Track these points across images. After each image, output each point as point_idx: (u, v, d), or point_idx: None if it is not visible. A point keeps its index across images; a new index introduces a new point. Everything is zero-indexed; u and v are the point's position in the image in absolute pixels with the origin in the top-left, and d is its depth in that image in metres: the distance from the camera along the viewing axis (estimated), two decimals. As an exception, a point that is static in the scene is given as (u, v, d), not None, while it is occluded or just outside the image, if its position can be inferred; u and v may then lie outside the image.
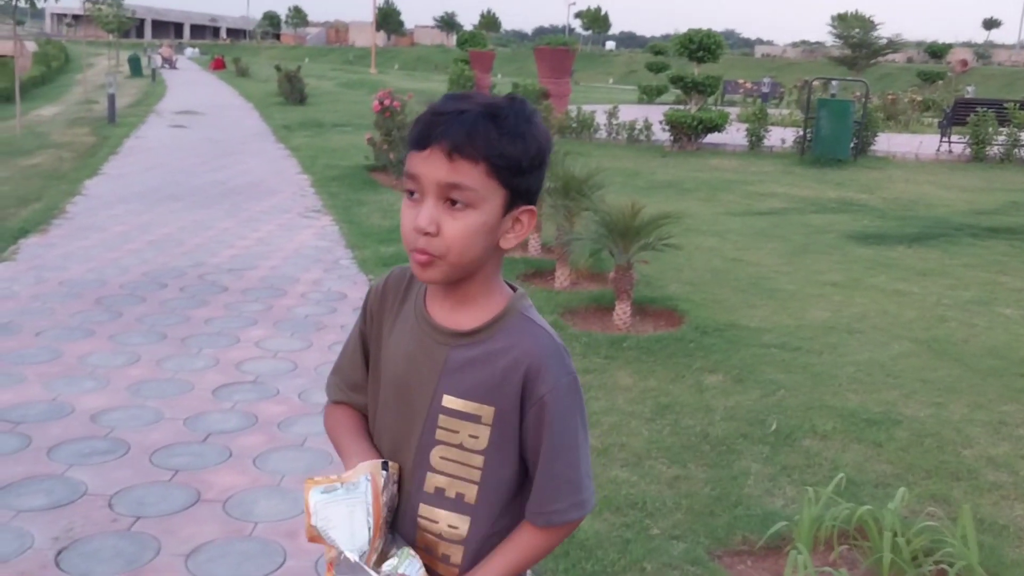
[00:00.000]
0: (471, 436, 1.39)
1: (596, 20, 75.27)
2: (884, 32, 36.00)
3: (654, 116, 19.14)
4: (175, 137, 18.70)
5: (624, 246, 6.35)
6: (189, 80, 42.92)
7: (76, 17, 65.81)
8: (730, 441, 4.55)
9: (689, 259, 8.38)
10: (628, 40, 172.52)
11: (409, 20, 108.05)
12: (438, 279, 1.35)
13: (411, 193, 1.32)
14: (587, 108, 19.97)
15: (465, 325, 1.39)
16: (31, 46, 49.86)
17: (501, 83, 29.73)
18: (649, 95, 35.30)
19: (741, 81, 35.98)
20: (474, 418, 1.38)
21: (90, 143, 16.90)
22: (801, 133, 17.35)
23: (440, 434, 1.40)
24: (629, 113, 20.57)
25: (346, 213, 10.71)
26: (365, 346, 1.54)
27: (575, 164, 8.16)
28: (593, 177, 7.55)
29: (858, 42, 29.56)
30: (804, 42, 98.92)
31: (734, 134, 18.60)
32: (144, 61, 45.38)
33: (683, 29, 18.11)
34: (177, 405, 4.72)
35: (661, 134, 18.31)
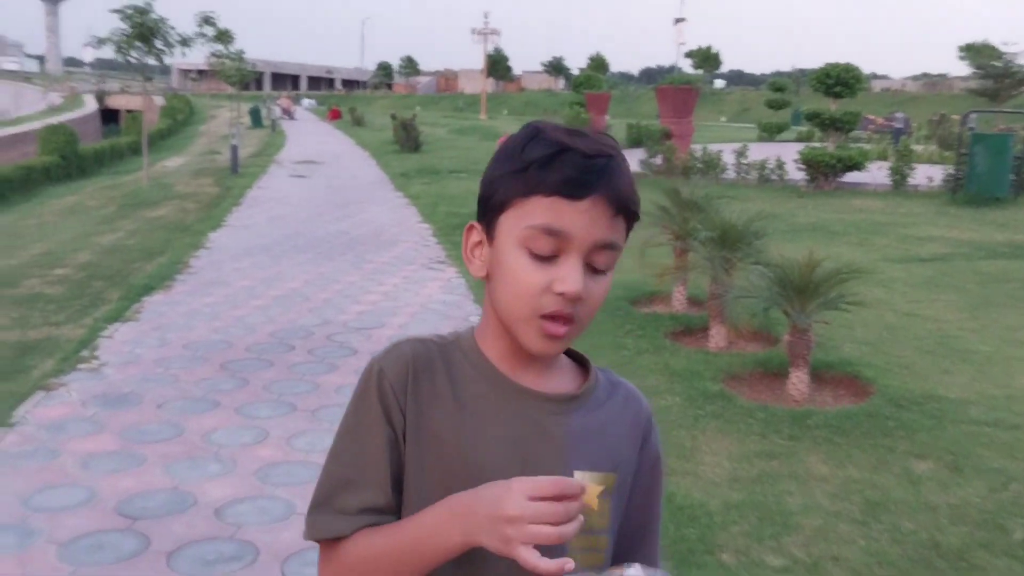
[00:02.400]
0: (599, 515, 1.12)
1: (707, 59, 74.16)
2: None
3: (779, 153, 18.16)
4: (296, 187, 18.74)
5: (801, 304, 5.56)
6: (307, 130, 43.92)
7: (201, 72, 68.77)
8: (968, 553, 3.70)
9: (858, 313, 7.47)
10: (737, 78, 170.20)
11: (517, 66, 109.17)
12: (563, 351, 1.16)
13: (541, 254, 1.06)
14: (712, 147, 19.14)
15: (568, 388, 1.18)
16: (159, 100, 52.17)
17: (614, 124, 29.16)
18: (770, 132, 34.12)
19: (871, 117, 34.35)
20: (604, 493, 1.11)
21: (214, 194, 17.04)
22: (952, 170, 16.08)
23: None
24: (753, 152, 19.64)
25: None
26: (396, 455, 1.13)
27: (729, 209, 7.43)
28: (754, 224, 6.79)
29: (1000, 72, 27.72)
30: (925, 75, 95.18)
31: (875, 172, 17.44)
32: (264, 112, 46.72)
33: (795, 66, 17.19)
34: (311, 494, 4.16)
35: (795, 173, 17.32)
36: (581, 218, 1.04)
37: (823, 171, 16.47)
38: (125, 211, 15.16)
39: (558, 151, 1.05)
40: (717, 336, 6.77)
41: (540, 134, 1.09)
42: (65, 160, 24.87)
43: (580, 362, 1.24)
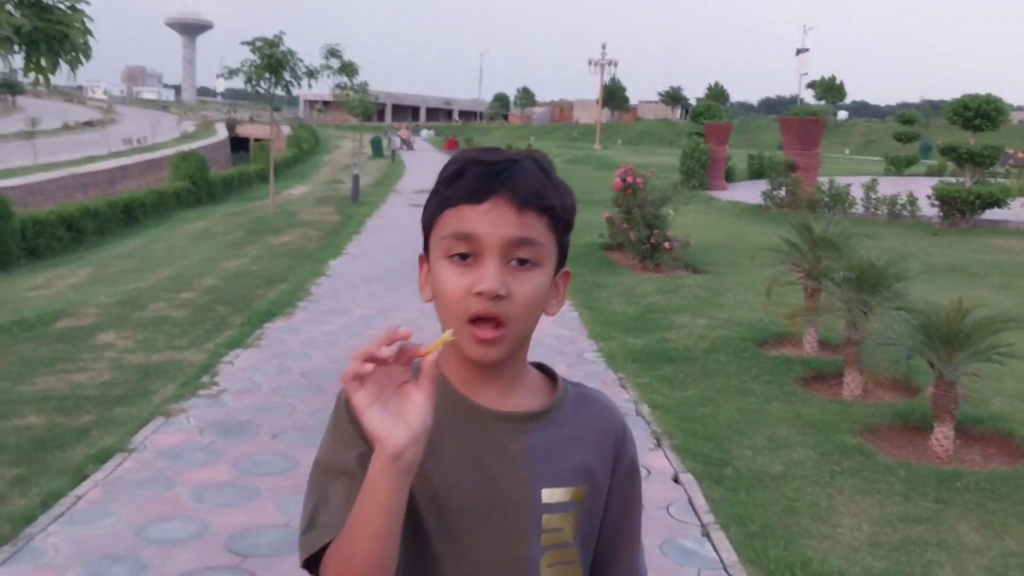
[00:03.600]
0: (571, 528, 1.19)
1: (830, 89, 72.21)
2: None
3: (909, 188, 17.29)
4: (414, 216, 18.85)
5: (948, 354, 5.13)
6: (425, 160, 44.67)
7: (326, 103, 71.15)
8: None
9: (1006, 364, 6.90)
10: (860, 110, 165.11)
11: (633, 95, 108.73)
12: (501, 356, 1.14)
13: (463, 256, 1.12)
14: (839, 180, 18.41)
15: (531, 406, 1.20)
16: (286, 130, 54.11)
17: (734, 155, 28.52)
18: (897, 166, 32.78)
19: (1011, 151, 32.57)
20: (571, 506, 1.19)
21: (335, 222, 17.37)
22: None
23: (545, 538, 1.18)
24: (882, 186, 18.77)
25: (586, 297, 9.99)
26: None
27: (863, 247, 7.01)
28: (894, 265, 6.36)
29: None
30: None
31: (1018, 210, 16.40)
32: (384, 142, 47.83)
33: (923, 98, 16.37)
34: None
35: (927, 209, 16.47)
36: (486, 219, 1.10)
37: (959, 208, 15.59)
38: (251, 237, 15.59)
39: (461, 167, 1.14)
40: (852, 384, 6.35)
41: (453, 159, 1.17)
42: (195, 186, 25.94)
43: (553, 377, 1.27)
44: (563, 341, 8.00)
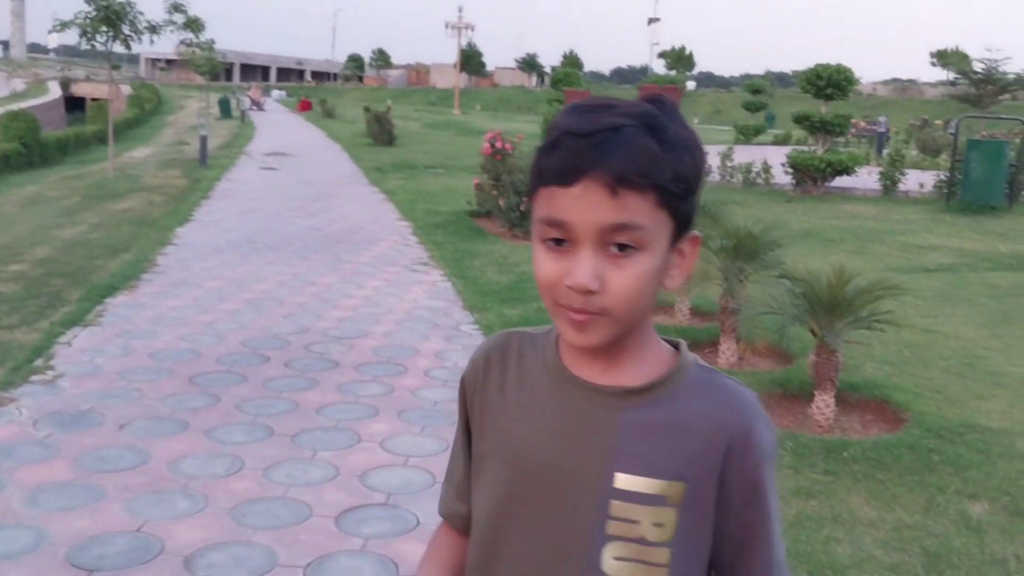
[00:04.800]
0: (655, 525, 1.05)
1: (680, 60, 73.96)
2: (1012, 67, 33.63)
3: (760, 156, 17.76)
4: (266, 179, 18.06)
5: (830, 322, 5.10)
6: (277, 121, 43.01)
7: (169, 61, 67.40)
8: (1052, 618, 3.25)
9: (886, 331, 7.05)
10: (707, 80, 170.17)
11: (490, 62, 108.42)
12: (600, 341, 1.03)
13: (557, 241, 1.00)
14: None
15: (632, 382, 1.07)
16: (126, 89, 50.99)
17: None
18: (746, 135, 33.86)
19: (854, 120, 34.08)
20: (659, 500, 1.05)
21: (182, 186, 16.33)
22: (944, 177, 15.75)
23: (613, 527, 1.05)
24: (735, 154, 19.22)
25: (457, 266, 9.67)
26: (470, 443, 1.20)
27: (740, 217, 6.97)
28: (769, 233, 6.33)
29: (983, 78, 27.59)
30: (895, 80, 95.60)
31: (864, 177, 17.10)
32: (233, 103, 45.70)
33: (767, 69, 16.81)
34: (293, 541, 3.62)
35: (781, 177, 16.95)
36: (577, 204, 0.97)
37: (811, 175, 16.11)
38: (89, 203, 14.43)
39: (559, 136, 1.00)
40: (728, 352, 6.30)
41: (554, 124, 1.03)
42: (26, 147, 23.97)
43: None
44: (437, 313, 7.67)
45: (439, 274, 9.37)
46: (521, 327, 1.19)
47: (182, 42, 34.35)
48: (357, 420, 5.02)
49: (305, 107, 53.99)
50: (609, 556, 1.05)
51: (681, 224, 1.02)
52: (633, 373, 1.07)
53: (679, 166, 0.98)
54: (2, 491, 3.95)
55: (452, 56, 73.33)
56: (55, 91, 50.36)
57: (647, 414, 1.06)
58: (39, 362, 5.83)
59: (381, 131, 27.96)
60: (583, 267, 0.98)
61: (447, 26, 67.82)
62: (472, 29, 69.15)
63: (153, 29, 18.16)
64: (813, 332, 5.19)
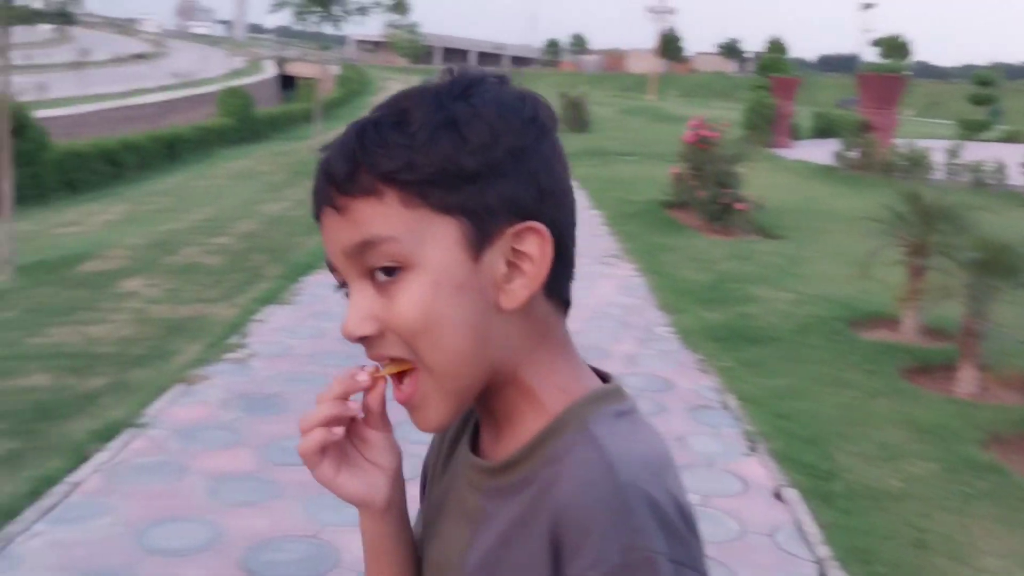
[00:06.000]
0: None
1: (896, 48, 69.38)
2: None
3: (983, 154, 16.03)
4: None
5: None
6: (474, 104, 43.56)
7: (375, 43, 69.98)
8: None
9: None
10: (923, 71, 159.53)
11: (689, 47, 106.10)
12: (445, 418, 0.78)
13: (343, 287, 0.79)
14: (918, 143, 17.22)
15: (501, 454, 0.80)
16: (334, 70, 53.27)
17: (800, 111, 27.18)
18: (970, 130, 31.16)
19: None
20: None
21: (381, 166, 16.63)
22: None
23: None
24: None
25: (651, 261, 9.17)
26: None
27: (989, 224, 6.10)
28: (1028, 246, 5.46)
29: None
30: None
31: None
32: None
33: (995, 60, 15.04)
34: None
35: (1017, 178, 15.28)
36: (327, 236, 0.76)
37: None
38: (294, 179, 14.93)
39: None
40: (967, 381, 5.49)
41: None
42: (240, 123, 25.33)
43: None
44: (628, 311, 7.22)
45: (631, 268, 8.90)
46: None
47: (389, 24, 35.34)
48: (546, 428, 4.66)
49: (502, 90, 54.53)
50: None
51: (481, 220, 0.74)
52: (512, 441, 0.80)
53: (429, 150, 0.72)
54: (184, 478, 3.86)
55: (650, 41, 72.15)
56: (270, 70, 53.29)
57: (507, 501, 0.77)
58: (234, 339, 5.84)
59: (575, 117, 27.63)
60: (348, 311, 0.76)
61: (648, 11, 66.67)
62: (673, 14, 67.65)
63: (361, 10, 18.61)
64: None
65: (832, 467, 4.33)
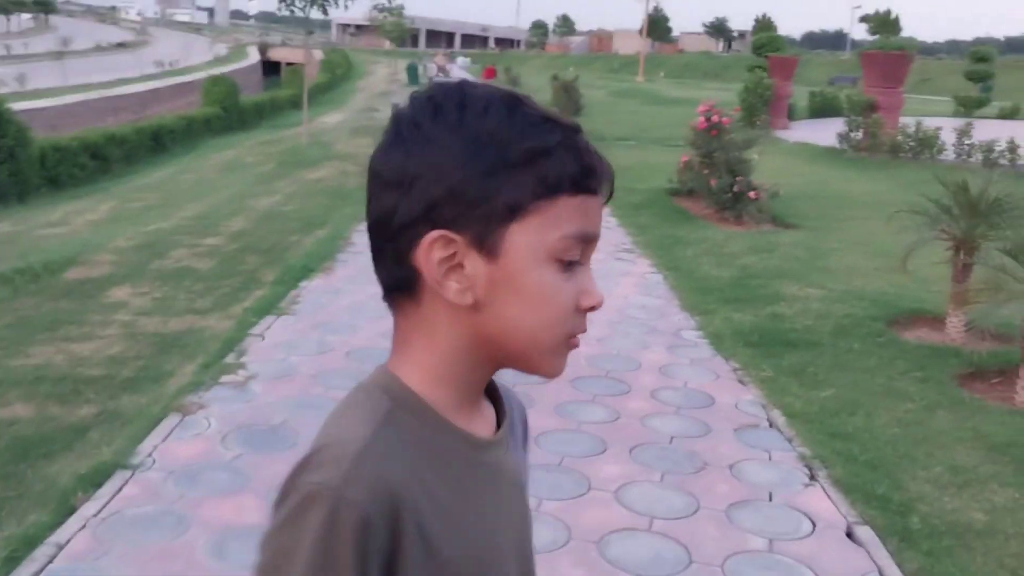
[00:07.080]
0: None
1: (885, 24, 68.83)
2: None
3: (989, 133, 15.62)
4: (457, 150, 17.62)
5: None
6: (462, 88, 42.91)
7: (359, 27, 69.08)
8: None
9: None
10: (909, 47, 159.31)
11: (675, 26, 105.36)
12: None
13: (567, 263, 0.83)
14: (926, 123, 16.78)
15: (489, 416, 0.94)
16: (318, 54, 52.48)
17: (796, 90, 26.70)
18: (968, 107, 30.77)
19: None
20: None
21: (373, 155, 16.12)
22: None
23: None
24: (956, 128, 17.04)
25: (667, 256, 8.74)
26: None
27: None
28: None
29: None
30: None
31: None
32: (421, 70, 46.10)
33: (986, 34, 14.58)
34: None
35: (1028, 158, 14.87)
36: (598, 215, 0.85)
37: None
38: (283, 170, 14.42)
39: (563, 136, 0.82)
40: (1030, 388, 5.08)
41: (519, 109, 0.82)
42: (226, 112, 24.73)
43: None
44: (652, 314, 6.78)
45: (647, 264, 8.46)
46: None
47: (374, 7, 34.69)
48: (583, 457, 4.22)
49: (490, 75, 53.76)
50: None
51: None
52: (486, 409, 0.93)
53: None
54: (185, 533, 3.40)
55: (636, 22, 71.48)
56: (253, 56, 52.53)
57: (512, 442, 0.96)
58: (230, 358, 5.36)
59: (568, 101, 27.06)
60: (596, 283, 0.86)
61: (634, -10, 65.86)
62: (660, -7, 66.89)
63: (350, -6, 18.05)
64: None
65: (904, 498, 3.90)
